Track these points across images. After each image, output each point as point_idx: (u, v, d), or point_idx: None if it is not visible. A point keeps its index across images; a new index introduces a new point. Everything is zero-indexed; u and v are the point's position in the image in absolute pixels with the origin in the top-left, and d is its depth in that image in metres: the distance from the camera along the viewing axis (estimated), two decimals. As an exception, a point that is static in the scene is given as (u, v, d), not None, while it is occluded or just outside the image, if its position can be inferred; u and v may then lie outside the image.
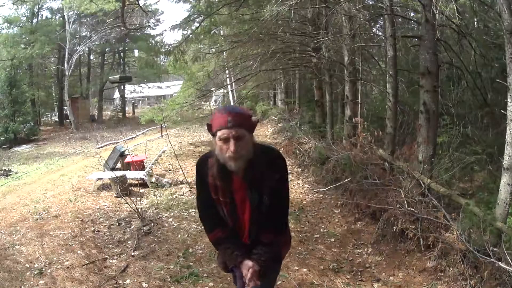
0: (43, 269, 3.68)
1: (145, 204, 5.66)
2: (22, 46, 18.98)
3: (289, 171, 5.97)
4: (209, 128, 1.63)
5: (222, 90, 16.10)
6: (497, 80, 4.68)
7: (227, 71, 12.68)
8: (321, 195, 6.22)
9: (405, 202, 4.11)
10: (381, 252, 4.06)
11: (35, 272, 3.62)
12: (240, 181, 1.69)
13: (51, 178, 8.49)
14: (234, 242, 1.79)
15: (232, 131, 1.56)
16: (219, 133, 1.58)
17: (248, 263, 1.72)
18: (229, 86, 14.37)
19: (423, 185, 4.30)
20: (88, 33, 21.94)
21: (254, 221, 1.77)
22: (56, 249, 4.14)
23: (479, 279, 3.07)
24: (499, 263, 2.94)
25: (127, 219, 5.14)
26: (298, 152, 8.31)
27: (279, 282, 3.36)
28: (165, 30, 47.48)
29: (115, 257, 4.00)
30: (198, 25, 8.80)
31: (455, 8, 4.73)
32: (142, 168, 7.33)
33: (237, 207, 1.75)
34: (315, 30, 8.08)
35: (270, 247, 1.75)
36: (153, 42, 24.41)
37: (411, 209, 3.99)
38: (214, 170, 1.69)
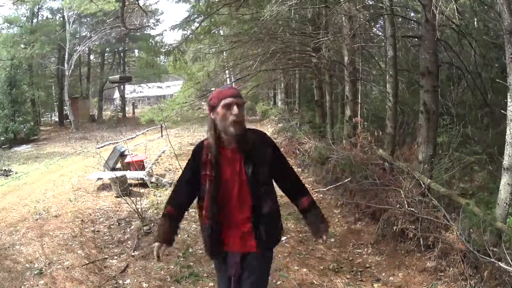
0: (43, 269, 3.67)
1: (145, 204, 5.66)
2: (22, 46, 18.97)
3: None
4: (210, 102, 1.91)
5: (222, 90, 16.08)
6: (497, 80, 4.68)
7: (227, 71, 12.70)
8: (321, 195, 6.21)
9: (405, 202, 4.10)
10: (381, 252, 4.06)
11: (35, 272, 3.62)
12: (233, 154, 1.91)
13: (51, 178, 8.50)
14: (175, 221, 2.06)
15: (235, 99, 1.87)
16: (224, 101, 1.85)
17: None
18: (229, 86, 14.37)
19: (423, 185, 4.29)
20: (88, 33, 21.95)
21: (254, 195, 1.91)
22: (56, 249, 4.14)
23: (479, 279, 3.07)
24: (499, 263, 2.94)
25: (127, 219, 5.14)
26: (298, 152, 8.30)
27: (279, 282, 3.36)
28: (165, 30, 47.56)
29: (115, 257, 4.00)
30: (198, 25, 8.81)
31: (455, 8, 4.72)
32: (142, 168, 7.33)
33: (220, 183, 1.90)
34: (315, 30, 8.08)
35: (316, 207, 2.10)
36: (153, 42, 24.32)
37: (411, 209, 3.98)
38: (209, 147, 1.93)
